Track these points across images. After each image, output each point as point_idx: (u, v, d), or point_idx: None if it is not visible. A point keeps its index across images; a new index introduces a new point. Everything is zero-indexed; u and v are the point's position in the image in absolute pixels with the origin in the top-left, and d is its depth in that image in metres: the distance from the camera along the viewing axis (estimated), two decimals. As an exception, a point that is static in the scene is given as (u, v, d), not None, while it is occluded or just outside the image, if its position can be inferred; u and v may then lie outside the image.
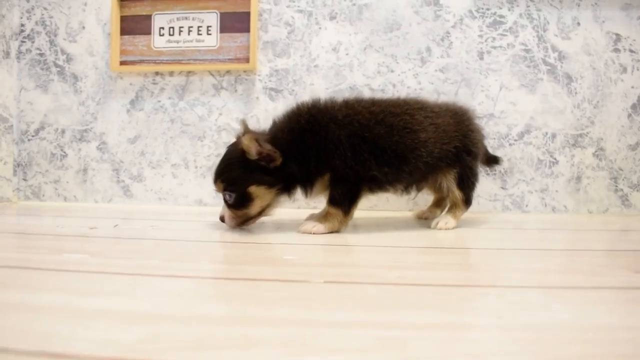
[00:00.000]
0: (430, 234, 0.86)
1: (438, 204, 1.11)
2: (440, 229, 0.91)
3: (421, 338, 0.33)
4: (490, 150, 1.20)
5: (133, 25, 1.26)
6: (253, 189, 0.80)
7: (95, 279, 0.48)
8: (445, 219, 0.94)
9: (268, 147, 0.79)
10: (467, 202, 0.98)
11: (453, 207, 0.98)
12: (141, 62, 1.26)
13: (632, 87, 1.21)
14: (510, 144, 1.22)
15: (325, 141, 0.81)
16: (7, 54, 1.29)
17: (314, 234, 0.82)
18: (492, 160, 1.11)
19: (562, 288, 0.47)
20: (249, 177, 0.80)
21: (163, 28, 1.26)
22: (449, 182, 0.95)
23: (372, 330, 0.34)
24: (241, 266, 0.57)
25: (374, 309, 0.39)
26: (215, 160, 1.18)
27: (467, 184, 0.96)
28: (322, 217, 0.85)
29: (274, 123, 0.88)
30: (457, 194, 0.95)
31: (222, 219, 0.85)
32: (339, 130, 0.82)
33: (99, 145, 1.29)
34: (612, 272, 0.55)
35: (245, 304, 0.40)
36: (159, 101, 1.27)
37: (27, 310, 0.38)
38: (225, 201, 0.82)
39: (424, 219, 1.07)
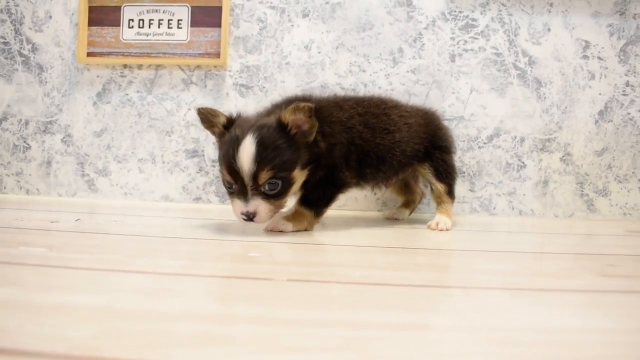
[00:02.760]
0: (398, 233, 0.89)
1: (406, 204, 1.15)
2: (440, 231, 0.94)
3: (385, 338, 0.34)
4: (460, 153, 1.25)
5: (102, 16, 1.28)
6: (296, 171, 0.76)
7: (52, 273, 0.48)
8: (441, 220, 0.97)
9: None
10: (450, 193, 1.03)
11: (441, 204, 1.02)
12: (109, 54, 1.27)
13: (600, 93, 1.26)
14: (479, 147, 1.26)
15: (331, 138, 0.81)
16: (-31, 42, 1.29)
17: (280, 231, 0.81)
18: None
19: (527, 290, 0.49)
20: (297, 157, 0.76)
21: (132, 20, 1.27)
22: (428, 177, 1.01)
23: (335, 330, 0.35)
24: (203, 262, 0.59)
25: (337, 308, 0.40)
26: (183, 156, 1.21)
27: (445, 175, 1.01)
28: (291, 216, 0.84)
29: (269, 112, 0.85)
30: (439, 185, 1.00)
31: (249, 217, 0.75)
32: (344, 134, 0.84)
33: (64, 137, 1.30)
34: (577, 275, 0.58)
35: (205, 301, 0.41)
36: (127, 94, 1.29)
37: None
38: (263, 193, 0.74)
39: (394, 219, 1.11)
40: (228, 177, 0.74)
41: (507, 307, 0.43)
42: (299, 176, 0.78)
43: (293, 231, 0.82)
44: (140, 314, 0.37)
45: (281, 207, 0.78)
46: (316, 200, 0.84)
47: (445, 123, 1.07)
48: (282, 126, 0.75)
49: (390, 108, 0.97)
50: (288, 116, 0.74)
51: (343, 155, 0.84)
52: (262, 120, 0.77)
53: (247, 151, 0.72)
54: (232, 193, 0.76)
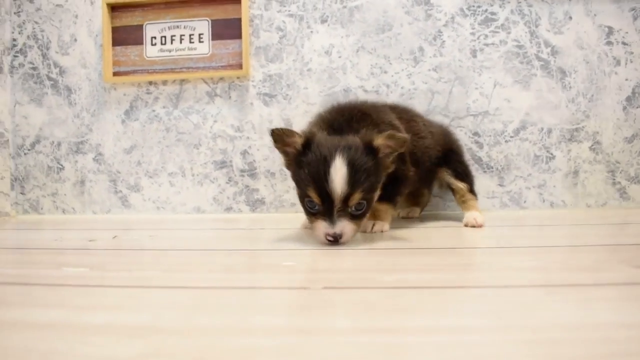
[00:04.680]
0: (426, 233, 0.93)
1: (416, 204, 1.21)
2: (474, 227, 1.00)
3: (424, 343, 0.35)
4: (487, 148, 1.28)
5: (125, 35, 1.34)
6: (378, 190, 0.81)
7: (95, 292, 0.52)
8: (477, 216, 1.02)
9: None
10: (472, 191, 1.09)
11: (466, 202, 1.08)
12: (134, 72, 1.33)
13: (626, 79, 1.28)
14: (506, 141, 1.29)
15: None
16: (0, 70, 1.37)
17: (383, 231, 0.90)
18: None
19: (561, 286, 0.51)
20: (381, 178, 0.81)
21: (155, 37, 1.33)
22: (449, 179, 1.08)
23: (374, 337, 0.36)
24: (240, 274, 0.63)
25: (374, 314, 0.42)
26: (211, 168, 1.26)
27: (465, 175, 1.09)
28: (376, 215, 0.91)
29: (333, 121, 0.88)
30: (461, 185, 1.08)
31: (336, 239, 0.76)
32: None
33: (95, 156, 1.37)
34: (612, 267, 0.60)
35: (245, 314, 0.44)
36: (154, 110, 1.35)
37: (26, 328, 0.40)
38: (350, 214, 0.76)
39: (409, 218, 1.16)
40: (317, 199, 0.75)
41: (543, 305, 0.45)
42: (378, 193, 0.82)
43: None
44: (184, 329, 0.39)
45: (361, 226, 0.81)
46: (392, 196, 0.91)
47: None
48: (370, 148, 0.77)
49: (414, 116, 1.04)
50: (380, 141, 0.78)
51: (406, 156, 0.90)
52: (346, 141, 0.79)
53: (339, 173, 0.73)
54: (314, 214, 0.77)
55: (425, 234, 0.92)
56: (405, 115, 1.01)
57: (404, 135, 0.80)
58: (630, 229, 0.96)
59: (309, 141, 0.78)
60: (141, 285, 0.55)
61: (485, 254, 0.74)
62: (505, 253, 0.73)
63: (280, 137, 0.80)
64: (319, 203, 0.75)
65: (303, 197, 0.79)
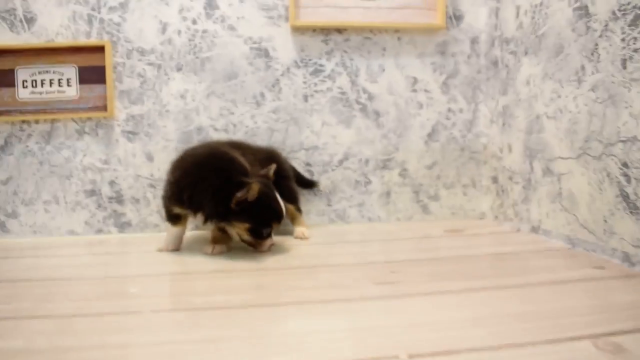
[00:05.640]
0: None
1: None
2: (303, 239, 1.36)
3: (199, 350, 0.66)
4: (316, 175, 1.59)
5: (-2, 78, 1.51)
6: None
7: None
8: (300, 230, 1.40)
9: None
10: (299, 209, 1.44)
11: (296, 218, 1.43)
12: (8, 112, 1.51)
13: (427, 119, 1.64)
14: (332, 169, 1.61)
15: None
16: None
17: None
18: (310, 184, 1.54)
19: (313, 303, 0.83)
20: None
21: (26, 81, 1.52)
22: None
23: (174, 346, 0.67)
24: (94, 302, 0.88)
25: (176, 329, 0.72)
26: (83, 196, 1.49)
27: (292, 198, 1.41)
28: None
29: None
30: (290, 206, 1.38)
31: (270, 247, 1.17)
32: None
33: (-27, 187, 1.54)
34: (356, 285, 0.93)
35: (99, 335, 0.72)
36: (27, 146, 1.54)
37: None
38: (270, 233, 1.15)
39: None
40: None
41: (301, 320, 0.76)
42: None
43: None
44: (50, 349, 0.66)
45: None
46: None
47: (284, 155, 1.49)
48: None
49: (248, 148, 1.33)
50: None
51: None
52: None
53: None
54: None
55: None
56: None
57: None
58: (402, 245, 1.31)
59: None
60: (11, 317, 0.80)
61: (280, 275, 1.03)
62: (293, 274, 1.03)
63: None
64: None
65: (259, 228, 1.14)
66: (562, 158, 1.22)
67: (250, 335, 0.71)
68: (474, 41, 1.62)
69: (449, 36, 1.61)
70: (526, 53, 1.36)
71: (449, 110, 1.64)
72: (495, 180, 1.61)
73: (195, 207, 1.16)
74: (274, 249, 1.20)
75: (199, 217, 1.16)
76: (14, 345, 0.68)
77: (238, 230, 1.14)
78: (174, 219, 1.24)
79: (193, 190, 1.14)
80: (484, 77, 1.63)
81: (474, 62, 1.63)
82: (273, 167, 1.23)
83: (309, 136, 1.59)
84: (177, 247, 1.27)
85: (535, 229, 1.37)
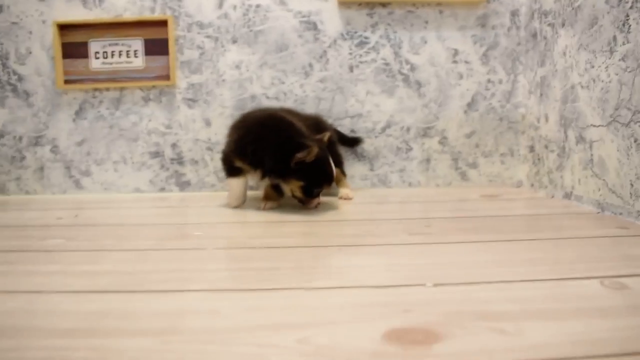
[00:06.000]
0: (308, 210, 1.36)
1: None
2: (347, 199, 1.49)
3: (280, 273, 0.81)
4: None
5: (73, 50, 1.69)
6: None
7: (72, 255, 0.93)
8: (345, 191, 1.52)
9: None
10: (344, 172, 1.57)
11: (340, 180, 1.55)
12: (82, 80, 1.69)
13: (467, 89, 1.73)
14: (375, 136, 1.73)
15: None
16: (-33, 75, 1.69)
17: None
18: (354, 141, 1.66)
19: (355, 246, 0.97)
20: None
21: (98, 52, 1.69)
22: None
23: (231, 272, 0.81)
24: (165, 241, 1.04)
25: (236, 263, 0.87)
26: (148, 157, 1.66)
27: (337, 162, 1.50)
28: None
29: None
30: (336, 170, 1.45)
31: (317, 206, 1.31)
32: None
33: (52, 148, 1.73)
34: (393, 233, 1.06)
35: (166, 264, 0.88)
36: (99, 111, 1.72)
37: (36, 275, 0.81)
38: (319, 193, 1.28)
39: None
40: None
41: (343, 257, 0.90)
42: None
43: None
44: (132, 272, 0.82)
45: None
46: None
47: (329, 122, 1.61)
48: None
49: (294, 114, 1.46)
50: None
51: None
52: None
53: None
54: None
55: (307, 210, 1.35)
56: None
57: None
58: (452, 205, 1.41)
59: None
60: (101, 249, 0.96)
61: (328, 226, 1.17)
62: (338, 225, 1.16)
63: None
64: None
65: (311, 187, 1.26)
66: (594, 126, 1.30)
67: (298, 266, 0.84)
68: (514, 14, 1.69)
69: (490, 9, 1.69)
70: (563, 25, 1.43)
71: (489, 81, 1.72)
72: (532, 149, 1.69)
73: (256, 162, 1.28)
74: (320, 207, 1.33)
75: (258, 173, 1.29)
76: (104, 268, 0.84)
77: (292, 187, 1.27)
78: (235, 172, 1.33)
79: (256, 146, 1.26)
80: (523, 49, 1.70)
81: (513, 34, 1.70)
82: (327, 134, 1.35)
83: (354, 104, 1.70)
84: (240, 202, 1.38)
85: (567, 195, 1.45)
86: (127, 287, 0.73)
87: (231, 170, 1.36)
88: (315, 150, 1.20)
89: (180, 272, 0.81)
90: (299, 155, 1.19)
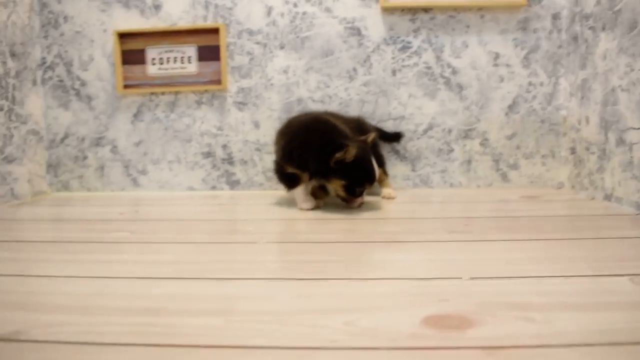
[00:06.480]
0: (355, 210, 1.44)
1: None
2: (389, 198, 1.57)
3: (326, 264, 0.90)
4: (403, 143, 1.79)
5: (131, 57, 1.81)
6: None
7: (138, 247, 1.04)
8: (387, 191, 1.60)
9: None
10: (386, 172, 1.64)
11: (383, 180, 1.63)
12: (139, 85, 1.82)
13: (508, 92, 1.78)
14: (417, 138, 1.79)
15: None
16: (34, 82, 1.84)
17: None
18: (395, 137, 1.73)
19: (399, 242, 1.05)
20: None
21: (154, 59, 1.81)
22: None
23: (284, 264, 0.91)
24: (218, 235, 1.15)
25: (289, 256, 0.96)
26: (200, 157, 1.77)
27: (380, 162, 1.58)
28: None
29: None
30: (379, 170, 1.52)
31: (360, 205, 1.36)
32: None
33: (111, 148, 1.87)
34: (433, 231, 1.13)
35: (219, 255, 0.97)
36: (155, 114, 1.84)
37: (111, 264, 0.93)
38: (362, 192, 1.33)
39: None
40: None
41: (385, 252, 0.98)
42: None
43: None
44: (189, 261, 0.92)
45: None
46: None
47: (372, 124, 1.69)
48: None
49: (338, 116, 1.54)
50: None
51: None
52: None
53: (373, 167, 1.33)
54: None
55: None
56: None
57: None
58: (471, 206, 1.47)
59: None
60: (163, 241, 1.07)
61: (373, 224, 1.25)
62: (379, 223, 1.24)
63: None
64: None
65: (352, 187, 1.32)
66: (634, 128, 1.34)
67: (344, 259, 0.92)
68: (555, 17, 1.73)
69: (531, 13, 1.73)
70: (603, 28, 1.47)
71: (530, 83, 1.76)
72: (573, 150, 1.72)
73: (303, 165, 1.36)
74: (363, 207, 1.41)
75: (306, 175, 1.37)
76: (167, 258, 0.94)
77: (335, 187, 1.35)
78: (289, 180, 1.39)
79: (301, 150, 1.35)
80: (564, 51, 1.74)
81: (554, 38, 1.74)
82: (373, 134, 1.43)
83: (397, 107, 1.78)
84: (312, 203, 1.41)
85: (608, 197, 1.49)
86: (189, 274, 0.82)
87: (286, 180, 1.41)
88: (353, 150, 1.26)
89: (236, 262, 0.91)
90: (338, 155, 1.26)
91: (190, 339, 0.56)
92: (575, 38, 1.67)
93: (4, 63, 1.65)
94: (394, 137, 1.76)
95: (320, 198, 1.45)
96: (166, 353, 0.53)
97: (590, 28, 1.56)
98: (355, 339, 0.55)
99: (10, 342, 0.55)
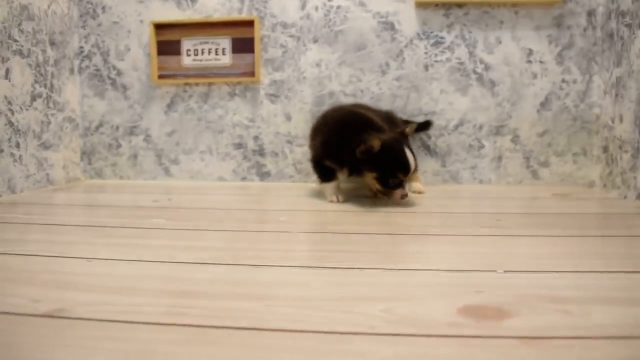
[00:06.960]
0: (383, 203, 1.47)
1: None
2: (419, 193, 1.58)
3: (354, 254, 0.93)
4: (433, 138, 1.80)
5: (167, 47, 1.86)
6: None
7: (175, 233, 1.08)
8: (417, 185, 1.61)
9: None
10: (416, 167, 1.62)
11: (413, 175, 1.60)
12: (174, 76, 1.86)
13: (541, 89, 1.78)
14: (448, 134, 1.81)
15: None
16: (72, 71, 1.90)
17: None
18: (425, 125, 1.76)
19: (437, 235, 1.08)
20: None
21: (189, 50, 1.85)
22: None
23: (314, 253, 0.94)
24: (251, 224, 1.18)
25: (321, 246, 1.00)
26: (232, 148, 1.81)
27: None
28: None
29: None
30: None
31: (402, 198, 1.32)
32: None
33: (145, 137, 1.91)
34: (465, 225, 1.16)
35: (254, 244, 1.01)
36: (188, 105, 1.88)
37: (148, 249, 0.97)
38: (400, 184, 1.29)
39: None
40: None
41: (417, 244, 1.00)
42: None
43: None
44: (223, 247, 0.95)
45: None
46: None
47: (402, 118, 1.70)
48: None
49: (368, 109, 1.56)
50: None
51: None
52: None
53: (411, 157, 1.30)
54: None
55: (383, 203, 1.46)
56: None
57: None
58: (505, 202, 1.49)
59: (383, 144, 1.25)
60: (198, 229, 1.10)
61: (407, 217, 1.27)
62: (416, 216, 1.27)
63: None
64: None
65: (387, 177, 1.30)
66: (671, 126, 1.35)
67: (377, 250, 0.94)
68: (590, 14, 1.74)
69: (566, 9, 1.74)
70: (641, 27, 1.47)
71: (563, 81, 1.77)
72: (605, 149, 1.73)
73: (340, 161, 1.34)
74: (406, 201, 1.39)
75: (345, 171, 1.38)
76: (204, 244, 0.97)
77: (369, 179, 1.37)
78: (325, 173, 1.42)
79: (338, 146, 1.35)
80: (599, 49, 1.74)
81: (589, 35, 1.75)
82: (413, 124, 1.46)
83: (428, 102, 1.80)
84: (339, 197, 1.43)
85: (641, 195, 1.49)
86: (226, 260, 0.85)
87: (323, 174, 1.43)
88: (374, 140, 1.26)
89: (271, 250, 0.94)
90: (361, 147, 1.26)
91: (230, 321, 0.58)
92: (610, 35, 1.67)
93: (44, 51, 1.71)
94: (424, 126, 1.77)
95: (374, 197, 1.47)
96: (206, 333, 0.54)
97: (626, 25, 1.56)
98: (393, 325, 0.57)
99: (55, 318, 0.58)
